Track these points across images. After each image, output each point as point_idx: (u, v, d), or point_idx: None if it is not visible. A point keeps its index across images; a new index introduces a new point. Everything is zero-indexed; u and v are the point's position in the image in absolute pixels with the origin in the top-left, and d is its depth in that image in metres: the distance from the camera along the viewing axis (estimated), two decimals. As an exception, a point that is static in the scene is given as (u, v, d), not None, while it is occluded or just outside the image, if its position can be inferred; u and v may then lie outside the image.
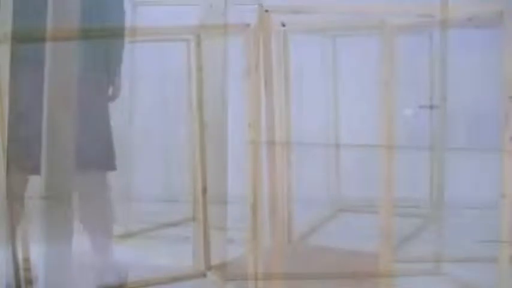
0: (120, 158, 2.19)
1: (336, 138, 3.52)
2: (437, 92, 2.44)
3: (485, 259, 1.92)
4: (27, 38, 1.78)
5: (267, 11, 1.83)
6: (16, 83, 1.75)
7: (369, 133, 2.19)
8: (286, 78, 2.69)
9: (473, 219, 2.84)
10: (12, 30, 1.71)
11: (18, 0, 1.77)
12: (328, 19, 2.53)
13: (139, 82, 3.32)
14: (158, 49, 3.24)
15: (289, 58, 2.72)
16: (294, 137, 2.73)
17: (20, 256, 1.85)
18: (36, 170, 1.74)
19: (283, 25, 2.34)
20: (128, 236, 2.76)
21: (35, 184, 1.74)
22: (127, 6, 2.22)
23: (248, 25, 1.89)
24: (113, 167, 2.16)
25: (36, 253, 1.72)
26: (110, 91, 2.19)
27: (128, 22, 2.27)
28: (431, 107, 3.02)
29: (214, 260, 2.31)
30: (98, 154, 2.08)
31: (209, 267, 2.31)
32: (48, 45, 1.65)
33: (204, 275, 2.29)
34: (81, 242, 1.86)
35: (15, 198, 1.74)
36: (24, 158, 1.83)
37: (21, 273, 1.88)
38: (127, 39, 2.25)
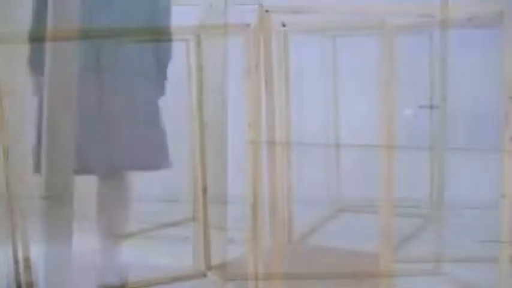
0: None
1: (336, 138, 3.52)
2: (437, 92, 2.44)
3: (485, 259, 1.92)
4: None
5: (267, 11, 1.83)
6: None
7: (369, 133, 2.19)
8: (286, 78, 2.69)
9: (473, 219, 2.84)
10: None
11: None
12: (328, 19, 2.53)
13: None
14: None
15: (290, 58, 2.72)
16: (294, 137, 2.73)
17: (20, 256, 1.85)
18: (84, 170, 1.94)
19: (284, 25, 2.34)
20: (128, 236, 2.75)
21: (35, 184, 1.74)
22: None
23: (248, 25, 1.89)
24: (166, 165, 2.17)
25: (36, 253, 1.72)
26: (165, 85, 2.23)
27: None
28: (431, 107, 3.02)
29: (215, 260, 2.31)
30: (152, 152, 2.12)
31: (209, 267, 2.31)
32: (48, 45, 1.65)
33: (204, 275, 2.29)
34: (81, 242, 1.85)
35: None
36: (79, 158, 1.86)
37: (22, 273, 1.89)
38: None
